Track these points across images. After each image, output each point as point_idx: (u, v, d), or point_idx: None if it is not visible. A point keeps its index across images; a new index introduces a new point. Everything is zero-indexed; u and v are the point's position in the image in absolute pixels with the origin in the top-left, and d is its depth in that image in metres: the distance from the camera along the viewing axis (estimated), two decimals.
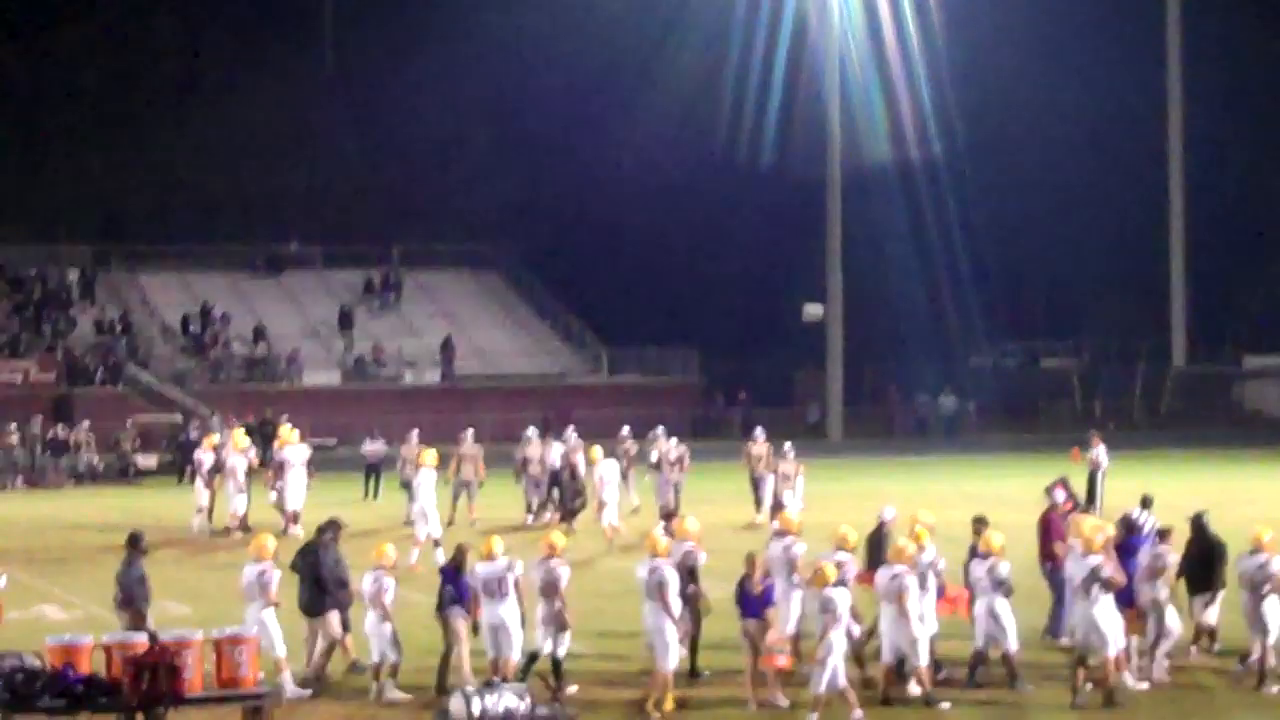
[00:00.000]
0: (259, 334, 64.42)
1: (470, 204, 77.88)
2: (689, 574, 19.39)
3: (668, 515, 21.01)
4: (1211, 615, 20.49)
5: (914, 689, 18.58)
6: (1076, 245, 75.07)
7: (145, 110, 77.95)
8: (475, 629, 19.11)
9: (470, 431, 36.54)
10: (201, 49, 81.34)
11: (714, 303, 74.46)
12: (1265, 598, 19.02)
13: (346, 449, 50.12)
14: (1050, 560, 21.74)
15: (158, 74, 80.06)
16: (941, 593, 19.65)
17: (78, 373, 59.45)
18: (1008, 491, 37.91)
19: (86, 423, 50.01)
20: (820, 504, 33.55)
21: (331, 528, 20.54)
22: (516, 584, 18.86)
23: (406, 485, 33.87)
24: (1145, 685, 19.03)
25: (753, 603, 18.83)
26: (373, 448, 41.57)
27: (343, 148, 79.24)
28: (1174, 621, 19.66)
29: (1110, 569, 18.52)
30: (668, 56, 72.43)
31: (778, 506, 32.44)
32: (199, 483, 35.42)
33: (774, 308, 70.52)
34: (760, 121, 71.77)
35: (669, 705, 18.23)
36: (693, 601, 19.46)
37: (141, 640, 16.47)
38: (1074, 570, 18.81)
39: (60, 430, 49.07)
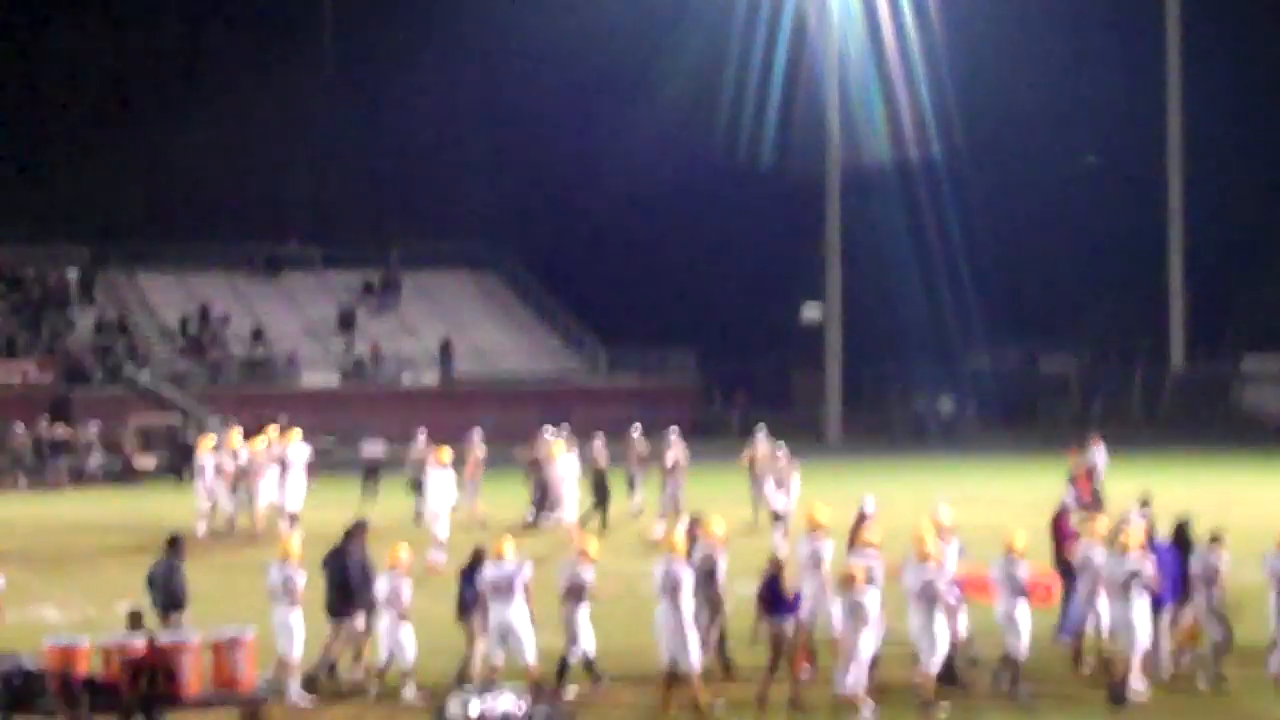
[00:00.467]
0: (258, 335, 64.40)
1: (469, 205, 77.85)
2: (708, 576, 19.40)
3: (693, 517, 21.03)
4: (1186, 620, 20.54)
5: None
6: (1075, 247, 75.05)
7: (144, 111, 77.91)
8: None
9: (477, 431, 36.59)
10: (201, 49, 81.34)
11: (713, 304, 74.43)
12: None
13: (345, 450, 50.07)
14: (1062, 561, 21.76)
15: (157, 74, 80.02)
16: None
17: (76, 373, 59.44)
18: (1007, 493, 37.95)
19: (96, 424, 50.02)
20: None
21: (359, 530, 20.50)
22: (526, 586, 18.88)
23: (416, 485, 33.91)
24: (1144, 687, 18.98)
25: (783, 604, 18.86)
26: (371, 449, 41.58)
27: (342, 148, 79.19)
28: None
29: (1148, 571, 18.57)
30: (667, 57, 72.41)
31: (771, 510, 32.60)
32: (200, 485, 35.39)
33: (773, 309, 70.55)
34: (759, 123, 71.74)
35: (704, 702, 18.24)
36: (714, 602, 19.51)
37: (139, 642, 16.48)
38: (1112, 570, 18.81)
39: (60, 430, 49.07)
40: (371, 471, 40.92)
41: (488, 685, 17.89)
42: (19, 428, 48.10)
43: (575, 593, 19.05)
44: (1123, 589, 18.56)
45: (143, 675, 16.00)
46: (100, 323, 63.26)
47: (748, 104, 71.49)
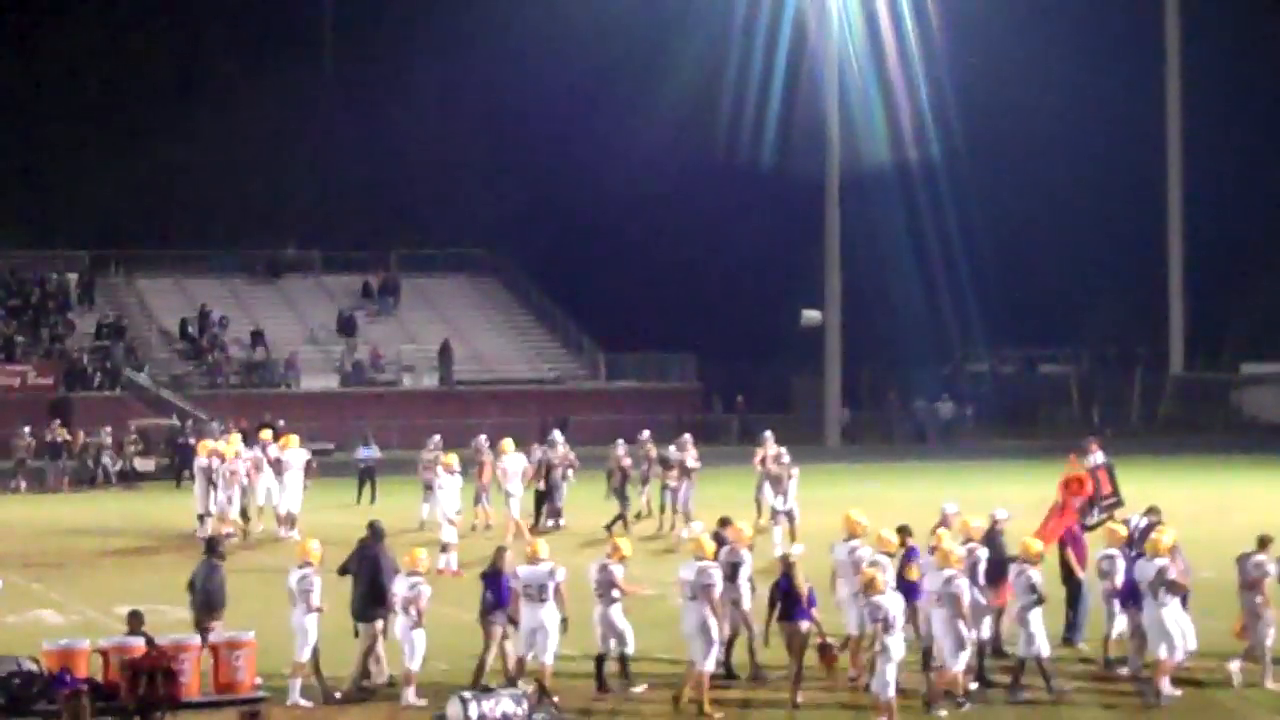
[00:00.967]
0: (257, 338, 64.39)
1: (468, 208, 77.83)
2: (730, 575, 19.45)
3: (722, 520, 21.13)
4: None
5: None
6: (1075, 251, 75.03)
7: (144, 115, 77.89)
8: (515, 624, 19.19)
9: (483, 437, 36.58)
10: (201, 54, 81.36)
11: (712, 308, 74.37)
12: None
13: (343, 453, 50.06)
14: (1065, 565, 21.75)
15: (156, 79, 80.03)
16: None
17: (76, 376, 59.43)
18: (1007, 497, 37.83)
19: (109, 428, 50.09)
20: (816, 509, 33.50)
21: (381, 533, 20.48)
22: (558, 589, 18.92)
23: (428, 488, 33.94)
24: (1178, 693, 18.97)
25: (798, 605, 18.88)
26: (366, 453, 41.59)
27: (341, 152, 79.17)
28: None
29: (1176, 572, 18.62)
30: (666, 61, 72.41)
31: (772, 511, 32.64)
32: (198, 489, 35.33)
33: (772, 313, 70.43)
34: (759, 126, 71.77)
35: (708, 707, 18.26)
36: (734, 602, 19.57)
37: (139, 644, 16.47)
38: (1141, 572, 18.85)
39: (59, 433, 49.05)
40: (366, 475, 40.97)
41: (486, 688, 17.88)
42: (27, 430, 48.12)
43: (607, 591, 19.08)
44: (1150, 591, 18.62)
45: (142, 677, 15.98)
46: (100, 326, 63.25)
47: (747, 107, 71.55)
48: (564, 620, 18.97)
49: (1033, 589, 18.99)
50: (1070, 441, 42.23)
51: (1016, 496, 32.94)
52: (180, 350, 63.94)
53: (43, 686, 16.06)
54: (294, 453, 34.80)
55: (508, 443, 34.49)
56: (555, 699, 18.58)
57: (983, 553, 19.83)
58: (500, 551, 19.68)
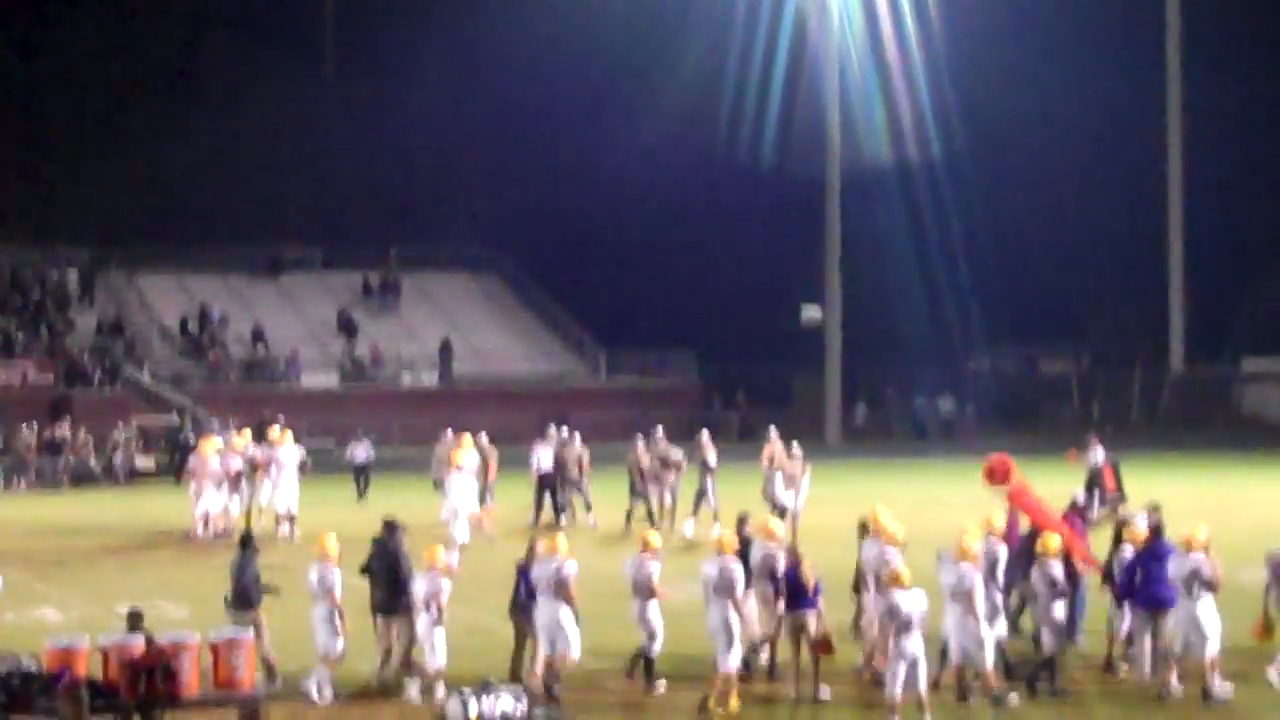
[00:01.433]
0: (257, 336, 64.40)
1: (469, 206, 77.87)
2: (769, 575, 19.38)
3: (741, 515, 21.11)
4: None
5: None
6: (1075, 249, 75.04)
7: (145, 113, 77.92)
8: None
9: (484, 435, 36.58)
10: (202, 52, 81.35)
11: (712, 306, 74.39)
12: None
13: (342, 451, 50.08)
14: (1067, 562, 21.69)
15: (157, 77, 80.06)
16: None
17: (76, 374, 59.44)
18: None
19: (123, 425, 50.04)
20: (818, 506, 33.55)
21: (399, 528, 20.49)
22: (564, 584, 18.92)
23: (439, 484, 33.93)
24: (1230, 688, 18.94)
25: (803, 595, 18.87)
26: (359, 449, 41.60)
27: (341, 150, 79.21)
28: None
29: (1210, 569, 18.59)
30: (667, 60, 72.40)
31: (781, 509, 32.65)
32: (197, 487, 35.30)
33: (773, 311, 70.51)
34: (759, 125, 71.77)
35: (734, 705, 18.26)
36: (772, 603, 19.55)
37: (139, 643, 16.47)
38: (1175, 569, 18.83)
39: (58, 431, 49.07)
40: (360, 473, 40.99)
41: (485, 685, 17.87)
42: (34, 428, 48.16)
43: (643, 588, 19.13)
44: (1185, 587, 18.61)
45: (142, 675, 15.98)
46: (100, 324, 63.27)
47: (748, 106, 71.55)
48: (575, 616, 18.95)
49: (1054, 583, 19.00)
50: (1071, 439, 42.32)
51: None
52: (181, 348, 63.96)
53: (43, 685, 16.06)
54: (288, 450, 34.79)
55: (466, 439, 34.50)
56: (557, 695, 18.59)
57: (1002, 549, 19.79)
58: (534, 544, 19.70)
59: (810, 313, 65.69)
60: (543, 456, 35.57)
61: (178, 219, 74.68)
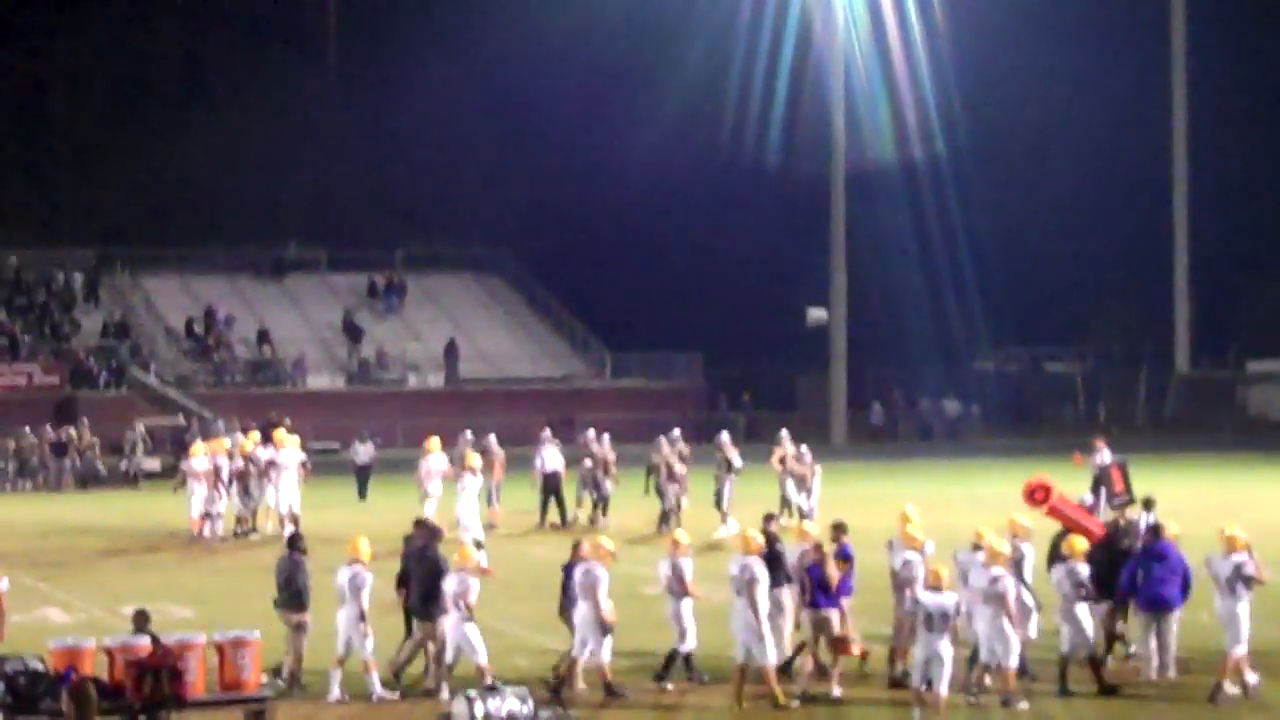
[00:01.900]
0: (263, 337, 64.43)
1: (473, 207, 77.91)
2: (807, 575, 19.36)
3: (768, 516, 21.10)
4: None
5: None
6: (1080, 249, 75.07)
7: (149, 114, 78.02)
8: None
9: (492, 436, 36.57)
10: (206, 53, 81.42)
11: (718, 306, 74.45)
12: None
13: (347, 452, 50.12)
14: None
15: (162, 78, 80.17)
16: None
17: (81, 376, 59.48)
18: (1013, 495, 37.79)
19: (141, 427, 50.08)
20: (823, 507, 33.52)
21: (437, 531, 20.44)
22: (589, 587, 18.89)
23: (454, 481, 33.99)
24: (1258, 680, 18.89)
25: (826, 593, 18.87)
26: (362, 450, 41.65)
27: (346, 151, 79.24)
28: None
29: (1252, 567, 18.62)
30: (672, 60, 72.46)
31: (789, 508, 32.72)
32: (202, 488, 35.29)
33: (778, 311, 70.51)
34: (764, 125, 71.80)
35: (781, 698, 18.28)
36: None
37: (144, 643, 16.47)
38: (1218, 568, 18.86)
39: (64, 433, 49.09)
40: (362, 474, 40.99)
41: (491, 687, 17.86)
42: (45, 431, 48.23)
43: (677, 587, 19.14)
44: (1228, 585, 18.63)
45: (148, 676, 15.99)
46: (106, 325, 63.30)
47: (752, 106, 71.56)
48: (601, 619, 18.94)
49: (1080, 585, 18.98)
50: (1076, 440, 42.35)
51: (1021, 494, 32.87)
52: (186, 349, 63.98)
53: (48, 685, 16.07)
54: (289, 452, 34.81)
55: (433, 441, 34.53)
56: (562, 696, 18.59)
57: (1028, 550, 19.76)
58: (579, 544, 19.71)
59: (815, 314, 65.69)
60: (546, 458, 35.58)
61: (182, 220, 74.79)
